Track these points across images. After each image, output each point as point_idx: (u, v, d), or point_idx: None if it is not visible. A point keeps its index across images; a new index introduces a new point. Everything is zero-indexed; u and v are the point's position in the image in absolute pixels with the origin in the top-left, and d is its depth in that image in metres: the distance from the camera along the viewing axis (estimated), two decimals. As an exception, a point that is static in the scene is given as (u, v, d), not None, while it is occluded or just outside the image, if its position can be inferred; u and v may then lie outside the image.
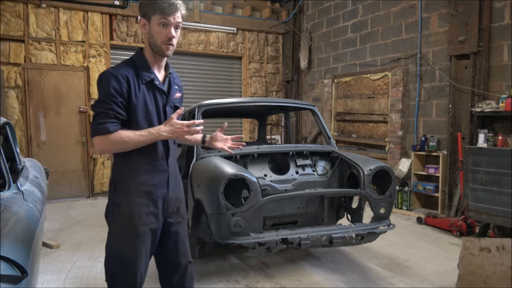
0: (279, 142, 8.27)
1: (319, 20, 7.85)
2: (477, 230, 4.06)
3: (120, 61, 1.84)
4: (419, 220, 4.97)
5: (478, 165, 3.53)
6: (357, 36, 6.87)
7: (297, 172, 3.46)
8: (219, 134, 2.07)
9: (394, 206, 3.57)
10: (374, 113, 6.49)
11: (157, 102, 1.83)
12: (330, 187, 3.48)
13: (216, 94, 7.91)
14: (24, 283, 1.49)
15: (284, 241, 2.83)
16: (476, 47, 4.69)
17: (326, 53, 7.66)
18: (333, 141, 3.91)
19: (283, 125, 8.52)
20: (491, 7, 4.67)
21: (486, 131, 4.45)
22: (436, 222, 4.71)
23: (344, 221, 3.49)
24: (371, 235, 3.08)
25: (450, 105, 5.06)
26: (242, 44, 8.28)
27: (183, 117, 4.56)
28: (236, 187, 2.90)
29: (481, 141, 4.43)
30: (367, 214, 3.33)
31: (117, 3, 6.64)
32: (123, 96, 1.71)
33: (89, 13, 6.65)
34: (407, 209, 5.56)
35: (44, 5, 6.23)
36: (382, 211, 3.18)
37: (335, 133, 7.37)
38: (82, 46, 6.62)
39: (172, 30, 1.76)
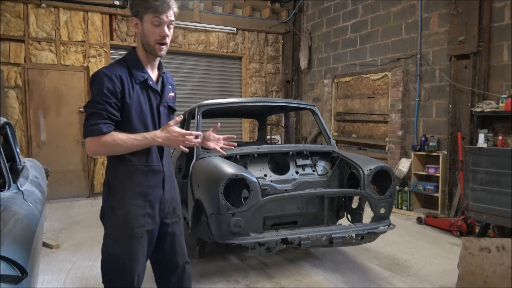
0: (279, 142, 8.27)
1: (319, 20, 7.85)
2: (477, 230, 4.06)
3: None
4: (419, 220, 4.97)
5: (478, 165, 3.53)
6: (357, 36, 6.87)
7: (297, 172, 3.46)
8: (212, 134, 2.02)
9: (394, 206, 3.57)
10: (374, 113, 6.49)
11: (151, 102, 1.81)
12: (330, 187, 3.48)
13: (216, 94, 7.91)
14: (24, 283, 1.49)
15: (284, 241, 2.82)
16: (476, 47, 4.69)
17: (326, 53, 7.66)
18: (333, 141, 3.91)
19: (283, 125, 8.52)
20: (491, 7, 4.67)
21: (486, 131, 4.45)
22: (436, 222, 4.71)
23: (344, 221, 3.48)
24: (371, 235, 3.07)
25: (450, 105, 5.06)
26: (242, 44, 8.28)
27: (183, 117, 4.57)
28: (236, 187, 2.90)
29: (481, 141, 4.43)
30: (367, 214, 3.33)
31: (117, 3, 6.64)
32: (117, 96, 1.68)
33: (89, 13, 6.65)
34: (407, 209, 5.56)
35: (44, 5, 6.23)
36: (382, 211, 3.18)
37: (335, 133, 7.37)
38: (82, 46, 6.62)
39: (166, 28, 1.73)
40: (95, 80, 1.68)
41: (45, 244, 4.05)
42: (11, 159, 3.04)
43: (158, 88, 1.86)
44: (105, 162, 6.94)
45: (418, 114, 5.71)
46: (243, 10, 8.23)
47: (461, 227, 4.32)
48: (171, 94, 1.95)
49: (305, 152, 3.63)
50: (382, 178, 3.24)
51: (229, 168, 2.81)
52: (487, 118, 4.61)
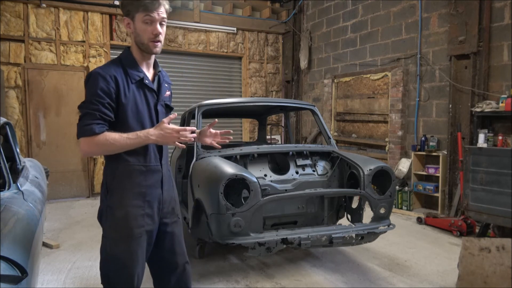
0: (279, 142, 8.27)
1: (319, 20, 7.85)
2: (477, 230, 4.06)
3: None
4: (419, 220, 4.97)
5: (478, 165, 3.53)
6: (357, 36, 6.87)
7: (297, 172, 3.46)
8: (208, 129, 2.02)
9: (394, 206, 3.57)
10: (374, 113, 6.49)
11: (147, 101, 1.80)
12: (330, 187, 3.48)
13: (216, 94, 7.91)
14: (24, 283, 1.49)
15: (284, 241, 2.82)
16: (476, 47, 4.69)
17: (326, 53, 7.66)
18: (333, 141, 3.91)
19: (283, 125, 8.52)
20: (491, 7, 4.67)
21: (486, 131, 4.45)
22: (436, 222, 4.71)
23: (344, 221, 3.48)
24: (371, 235, 3.07)
25: (450, 105, 5.06)
26: (242, 44, 8.28)
27: (183, 117, 4.57)
28: (236, 187, 2.90)
29: (481, 141, 4.43)
30: (367, 214, 3.33)
31: (117, 3, 6.64)
32: (111, 96, 1.67)
33: (89, 13, 6.65)
34: (407, 209, 5.56)
35: (44, 5, 6.23)
36: (382, 211, 3.18)
37: (335, 133, 7.37)
38: (82, 46, 6.62)
39: (158, 26, 1.72)
40: (89, 80, 1.68)
41: (45, 244, 4.05)
42: (11, 159, 3.04)
43: (155, 87, 1.85)
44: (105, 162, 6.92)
45: (418, 114, 5.71)
46: (243, 10, 8.23)
47: (461, 227, 4.32)
48: (168, 93, 1.94)
49: (305, 152, 3.63)
50: (382, 178, 3.24)
51: (229, 168, 2.81)
52: (487, 118, 4.61)
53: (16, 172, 2.90)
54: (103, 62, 6.74)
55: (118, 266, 1.74)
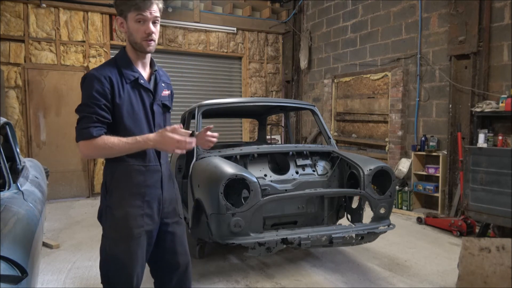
0: (279, 142, 8.27)
1: (319, 20, 7.85)
2: (477, 230, 4.06)
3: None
4: (419, 220, 4.97)
5: (478, 165, 3.53)
6: (357, 36, 6.87)
7: (297, 172, 3.46)
8: (204, 134, 1.96)
9: (394, 206, 3.57)
10: (374, 113, 6.49)
11: (143, 101, 1.79)
12: (330, 187, 3.48)
13: (216, 94, 7.91)
14: (24, 283, 1.49)
15: (284, 241, 2.82)
16: (476, 47, 4.69)
17: (326, 53, 7.66)
18: (333, 141, 3.91)
19: (283, 125, 8.52)
20: (491, 7, 4.67)
21: (486, 131, 4.45)
22: (436, 222, 4.71)
23: (344, 221, 3.48)
24: (371, 235, 3.07)
25: (450, 105, 5.06)
26: (242, 44, 8.28)
27: (182, 117, 4.57)
28: (236, 187, 2.90)
29: (481, 141, 4.43)
30: (367, 214, 3.33)
31: (117, 3, 6.64)
32: (106, 97, 1.67)
33: (89, 13, 6.65)
34: (407, 209, 5.56)
35: (44, 5, 6.23)
36: (382, 211, 3.18)
37: (335, 133, 7.37)
38: (82, 46, 6.62)
39: (151, 25, 1.72)
40: (85, 83, 1.68)
41: (45, 244, 4.05)
42: (11, 159, 3.04)
43: (151, 86, 1.84)
44: (105, 162, 6.93)
45: (418, 114, 5.71)
46: (243, 10, 8.23)
47: (461, 227, 4.32)
48: (166, 92, 1.92)
49: (305, 152, 3.63)
50: (382, 178, 3.24)
51: (229, 168, 2.81)
52: (487, 118, 4.61)
53: (16, 172, 2.90)
54: (103, 62, 6.73)
55: (117, 266, 1.74)
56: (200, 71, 7.93)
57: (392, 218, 3.43)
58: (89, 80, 1.67)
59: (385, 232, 3.16)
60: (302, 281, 3.23)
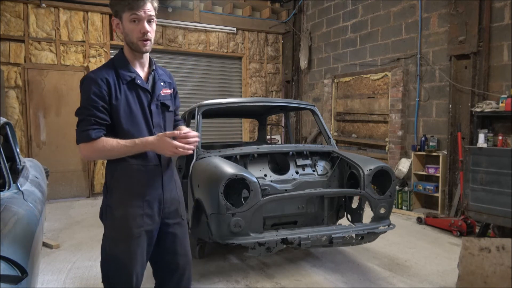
0: (279, 142, 8.27)
1: (319, 20, 7.85)
2: (477, 230, 4.06)
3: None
4: (419, 220, 4.97)
5: (478, 165, 3.53)
6: (357, 36, 6.87)
7: (297, 172, 3.46)
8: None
9: (394, 206, 3.57)
10: (374, 113, 6.49)
11: (141, 101, 1.79)
12: (330, 187, 3.48)
13: (216, 94, 7.91)
14: (24, 283, 1.49)
15: (284, 241, 2.82)
16: (476, 47, 4.69)
17: (326, 53, 7.66)
18: (333, 141, 3.91)
19: (283, 125, 8.52)
20: (491, 7, 4.67)
21: (486, 131, 4.45)
22: (436, 222, 4.71)
23: (344, 221, 3.48)
24: (371, 235, 3.07)
25: (450, 105, 5.06)
26: (242, 44, 8.28)
27: (183, 117, 4.57)
28: (236, 187, 2.90)
29: (481, 141, 4.43)
30: (367, 214, 3.33)
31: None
32: (104, 99, 1.68)
33: (89, 13, 6.65)
34: (407, 209, 5.56)
35: (44, 5, 6.23)
36: (382, 211, 3.18)
37: (335, 133, 7.37)
38: (82, 46, 6.62)
39: (145, 24, 1.71)
40: (83, 86, 1.70)
41: (45, 244, 4.05)
42: (11, 159, 3.04)
43: (149, 86, 1.83)
44: (105, 162, 6.93)
45: (418, 114, 5.71)
46: (243, 10, 8.23)
47: (461, 227, 4.32)
48: (167, 91, 1.91)
49: (305, 152, 3.63)
50: (382, 178, 3.24)
51: (229, 168, 2.81)
52: (487, 118, 4.61)
53: (16, 172, 2.90)
54: (103, 62, 6.74)
55: (117, 266, 1.75)
56: (200, 71, 7.93)
57: (392, 218, 3.43)
58: (86, 82, 1.69)
59: (385, 232, 3.16)
60: (302, 281, 3.23)
